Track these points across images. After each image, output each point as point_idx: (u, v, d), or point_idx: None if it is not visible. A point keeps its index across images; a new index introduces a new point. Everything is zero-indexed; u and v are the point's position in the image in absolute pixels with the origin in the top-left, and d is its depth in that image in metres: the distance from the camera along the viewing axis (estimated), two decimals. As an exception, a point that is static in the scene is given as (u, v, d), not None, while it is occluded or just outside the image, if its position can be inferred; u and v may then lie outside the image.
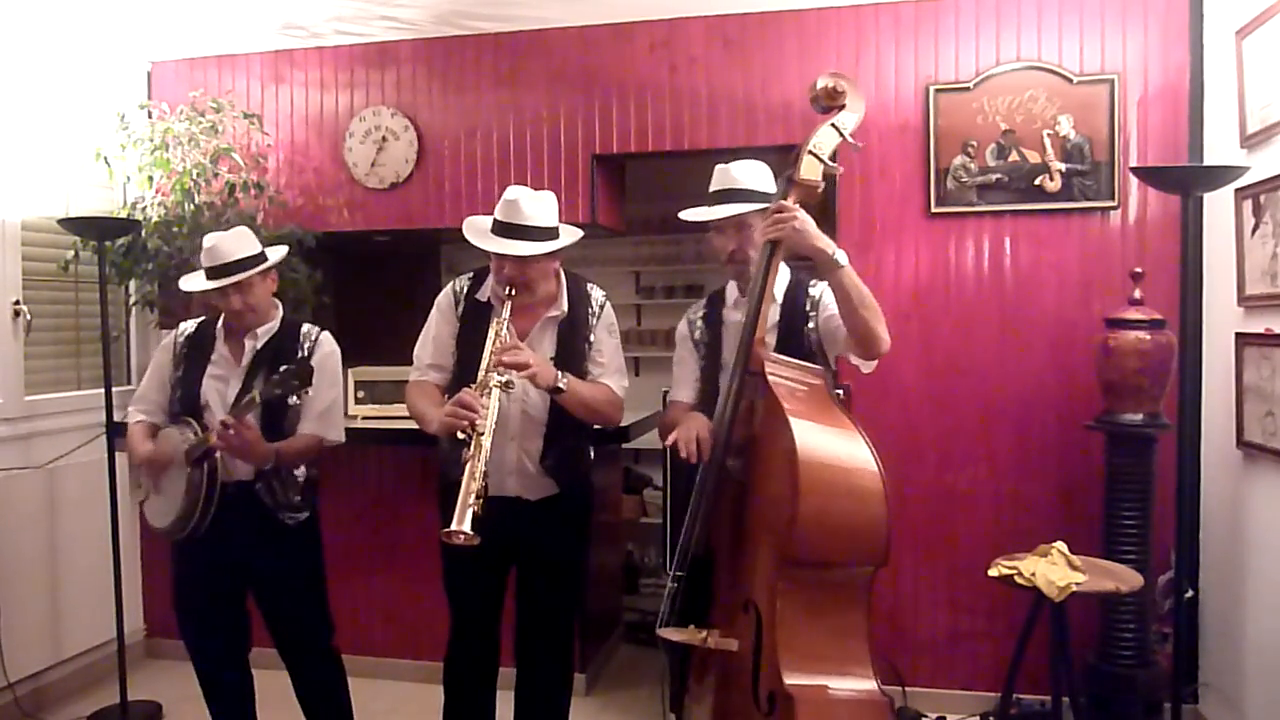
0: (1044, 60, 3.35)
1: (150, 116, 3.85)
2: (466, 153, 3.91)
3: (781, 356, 2.22)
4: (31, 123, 3.60)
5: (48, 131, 3.67)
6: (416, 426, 2.59)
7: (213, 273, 2.62)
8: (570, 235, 2.54)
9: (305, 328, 2.77)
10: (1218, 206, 3.09)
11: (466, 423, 2.26)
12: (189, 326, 2.79)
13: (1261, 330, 2.82)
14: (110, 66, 4.00)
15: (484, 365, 2.36)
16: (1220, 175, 2.65)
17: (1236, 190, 2.91)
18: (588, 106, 3.77)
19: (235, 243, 2.65)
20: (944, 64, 3.44)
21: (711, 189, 2.46)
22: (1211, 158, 3.20)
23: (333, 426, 2.73)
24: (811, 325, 2.42)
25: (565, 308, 2.56)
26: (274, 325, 2.73)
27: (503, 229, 2.43)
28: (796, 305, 2.43)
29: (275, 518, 2.65)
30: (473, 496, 2.19)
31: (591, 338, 2.58)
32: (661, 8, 3.60)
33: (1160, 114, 3.29)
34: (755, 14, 3.57)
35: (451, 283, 2.68)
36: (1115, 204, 3.30)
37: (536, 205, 2.44)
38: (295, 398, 2.62)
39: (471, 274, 2.64)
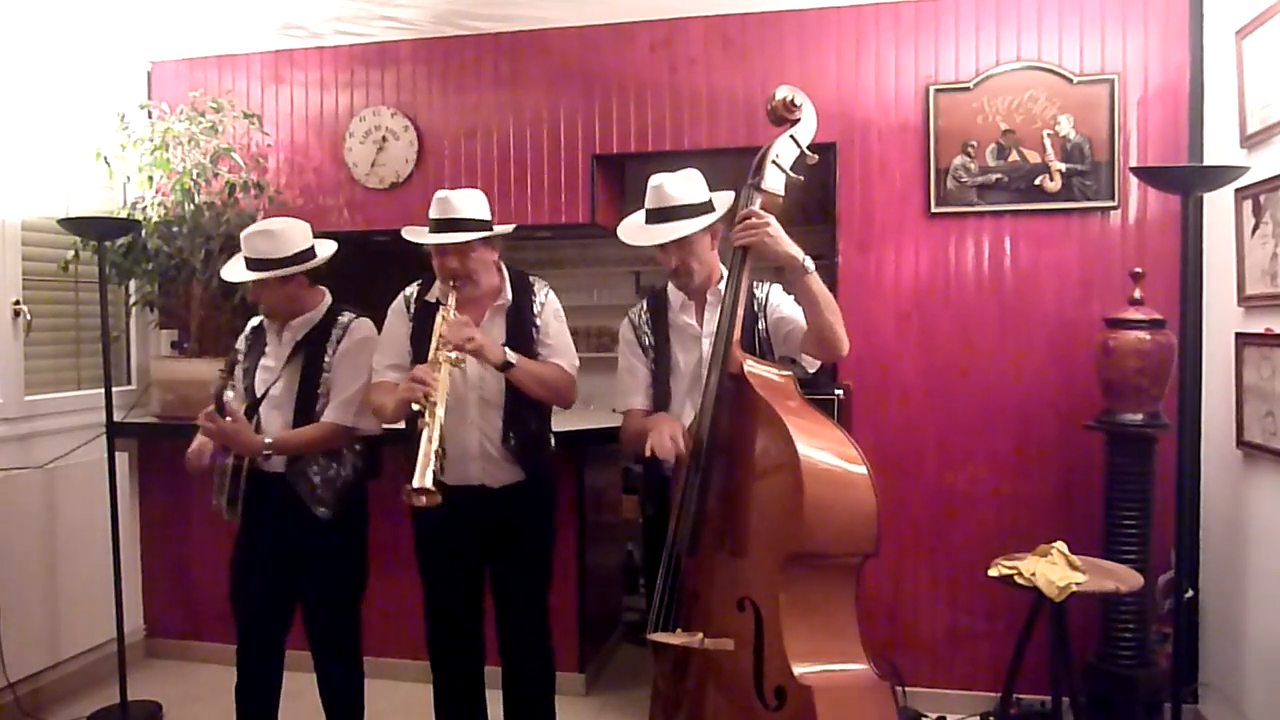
0: (1044, 60, 3.35)
1: (150, 116, 3.85)
2: (466, 153, 3.91)
3: (755, 358, 2.27)
4: (31, 123, 3.60)
5: (48, 131, 3.67)
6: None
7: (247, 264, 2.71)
8: (502, 227, 2.68)
9: (342, 316, 2.80)
10: (1218, 206, 3.09)
11: (421, 394, 2.35)
12: (254, 321, 2.89)
13: (1261, 330, 2.82)
14: (110, 66, 4.00)
15: (434, 344, 2.46)
16: (1220, 175, 2.65)
17: (1236, 190, 2.91)
18: (588, 106, 3.77)
19: (263, 241, 2.66)
20: (944, 64, 3.44)
21: (647, 207, 2.50)
22: (1211, 158, 3.20)
23: (357, 414, 2.73)
24: (761, 325, 2.49)
25: (510, 297, 2.68)
26: (314, 316, 2.78)
27: (438, 225, 2.57)
28: (747, 306, 2.45)
29: (307, 509, 2.69)
30: (431, 459, 2.27)
31: (538, 322, 2.69)
32: (661, 8, 3.60)
33: (1160, 114, 3.29)
34: (755, 14, 3.58)
35: (402, 291, 2.78)
36: (1115, 204, 3.30)
37: (467, 199, 2.60)
38: (320, 385, 2.71)
39: (420, 280, 2.75)
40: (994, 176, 3.38)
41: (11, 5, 3.46)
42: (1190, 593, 3.12)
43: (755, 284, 2.51)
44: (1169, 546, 3.15)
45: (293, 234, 2.70)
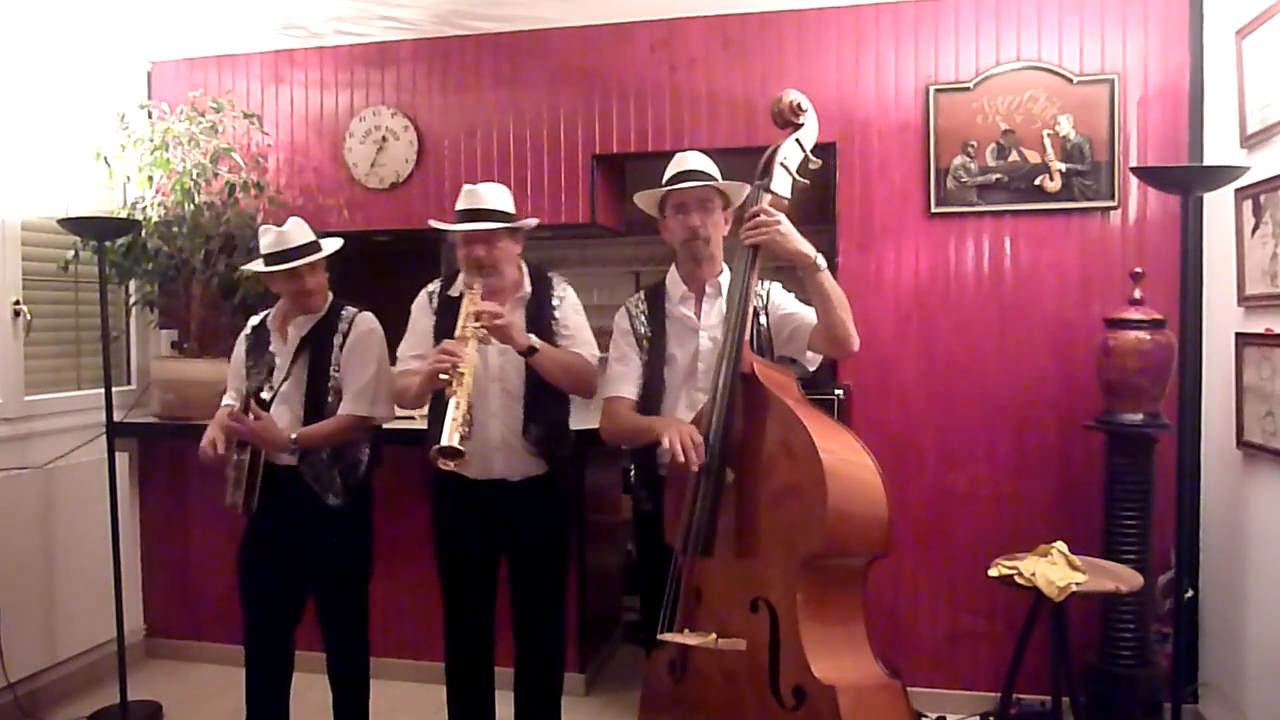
0: (1044, 60, 3.35)
1: (150, 116, 3.85)
2: (466, 153, 3.91)
3: (760, 358, 2.29)
4: (31, 123, 3.59)
5: (48, 131, 3.67)
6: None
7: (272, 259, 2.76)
8: (525, 221, 2.74)
9: (345, 311, 2.85)
10: (1218, 206, 3.09)
11: (449, 364, 2.35)
12: (255, 320, 2.94)
13: (1261, 330, 2.82)
14: (110, 66, 4.00)
15: (461, 320, 2.46)
16: (1220, 175, 2.64)
17: (1236, 190, 2.91)
18: (588, 106, 3.77)
19: (299, 233, 2.77)
20: (944, 64, 3.44)
21: (668, 175, 2.52)
22: (1211, 158, 3.20)
23: (372, 404, 2.79)
24: (763, 323, 2.48)
25: (529, 290, 2.72)
26: (317, 312, 2.84)
27: (466, 215, 2.62)
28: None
29: (319, 500, 2.74)
30: (459, 422, 2.28)
31: (557, 315, 2.73)
32: (661, 8, 3.60)
33: (1160, 114, 3.29)
34: (755, 14, 3.57)
35: (424, 288, 2.82)
36: (1115, 204, 3.30)
37: (494, 191, 2.67)
38: (329, 380, 2.76)
39: (441, 277, 2.79)
40: (994, 176, 3.38)
41: (12, 5, 3.46)
42: (1190, 593, 3.12)
43: (759, 282, 2.49)
44: (1169, 546, 3.15)
45: (304, 225, 2.81)
